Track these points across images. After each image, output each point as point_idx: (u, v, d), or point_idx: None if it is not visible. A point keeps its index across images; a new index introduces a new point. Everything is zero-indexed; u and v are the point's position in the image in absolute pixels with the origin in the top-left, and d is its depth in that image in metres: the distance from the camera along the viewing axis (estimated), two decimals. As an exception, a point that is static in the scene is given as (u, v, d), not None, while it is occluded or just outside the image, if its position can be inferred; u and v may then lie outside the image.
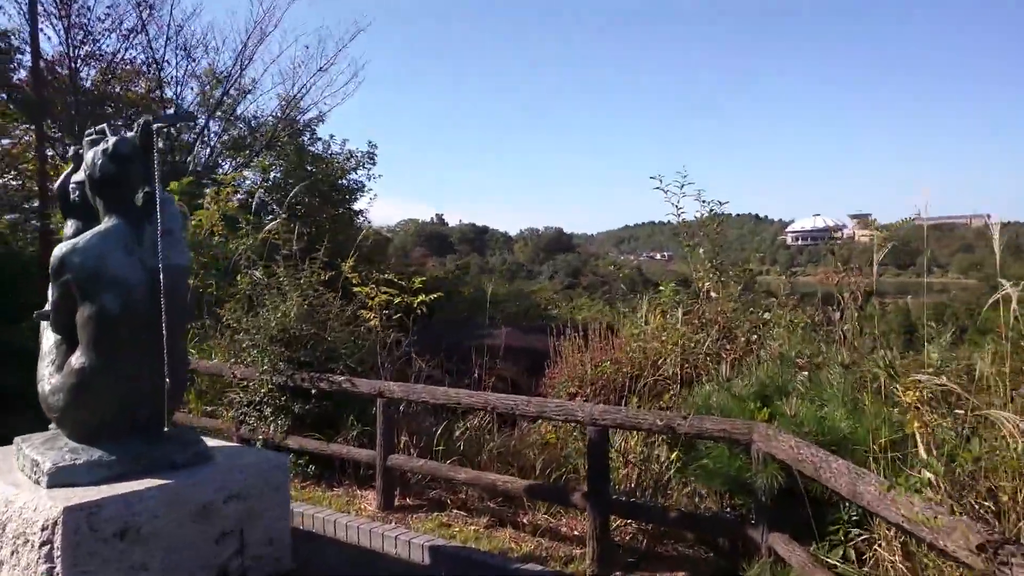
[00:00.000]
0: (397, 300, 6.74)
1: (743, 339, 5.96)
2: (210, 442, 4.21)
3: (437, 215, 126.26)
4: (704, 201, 6.59)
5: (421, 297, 6.76)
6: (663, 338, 6.06)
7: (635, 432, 4.99)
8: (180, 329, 4.02)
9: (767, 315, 6.36)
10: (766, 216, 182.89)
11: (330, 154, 18.08)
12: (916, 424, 2.71)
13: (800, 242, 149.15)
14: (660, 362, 5.90)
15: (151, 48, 17.18)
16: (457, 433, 6.02)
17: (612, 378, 6.31)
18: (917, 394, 2.77)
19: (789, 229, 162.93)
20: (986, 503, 2.89)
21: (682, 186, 6.43)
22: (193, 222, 9.68)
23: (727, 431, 3.91)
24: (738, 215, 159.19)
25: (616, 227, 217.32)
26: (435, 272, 25.24)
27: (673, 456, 4.56)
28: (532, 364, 8.80)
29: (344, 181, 18.00)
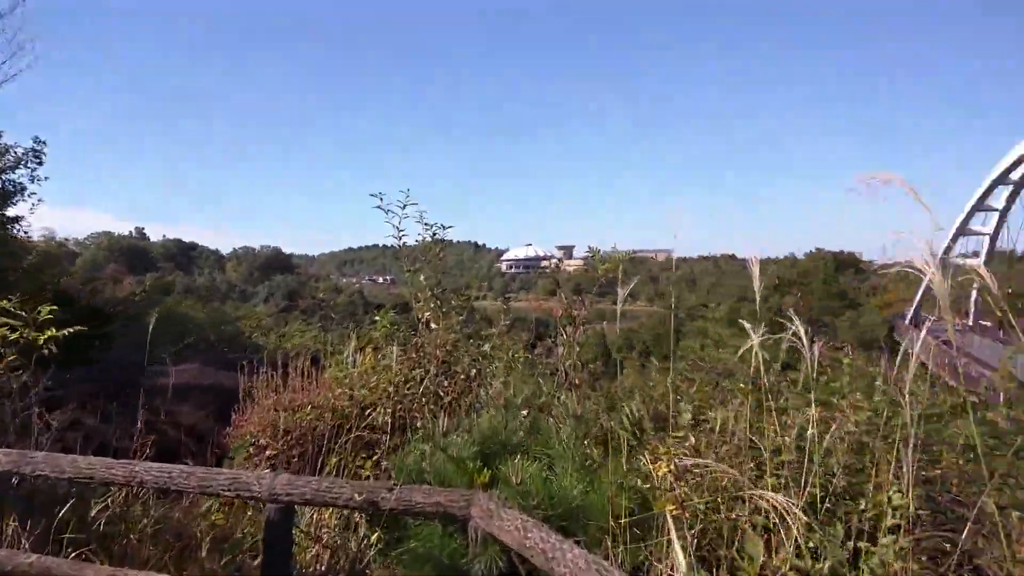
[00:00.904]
0: (15, 336, 4.84)
1: (463, 375, 5.48)
2: None
3: (137, 228, 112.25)
4: (427, 224, 6.16)
5: (49, 333, 4.91)
6: (373, 383, 5.20)
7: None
8: None
9: (487, 347, 6.13)
10: (483, 244, 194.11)
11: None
12: (671, 507, 2.15)
13: (514, 270, 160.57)
14: (369, 411, 5.00)
15: None
16: (96, 510, 4.48)
17: (313, 426, 5.28)
18: (669, 467, 2.23)
19: (504, 257, 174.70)
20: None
21: (404, 206, 6.02)
22: None
23: (441, 505, 3.12)
24: (458, 242, 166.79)
25: (339, 248, 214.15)
26: (120, 293, 21.51)
27: (374, 537, 3.64)
28: (222, 406, 7.44)
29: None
